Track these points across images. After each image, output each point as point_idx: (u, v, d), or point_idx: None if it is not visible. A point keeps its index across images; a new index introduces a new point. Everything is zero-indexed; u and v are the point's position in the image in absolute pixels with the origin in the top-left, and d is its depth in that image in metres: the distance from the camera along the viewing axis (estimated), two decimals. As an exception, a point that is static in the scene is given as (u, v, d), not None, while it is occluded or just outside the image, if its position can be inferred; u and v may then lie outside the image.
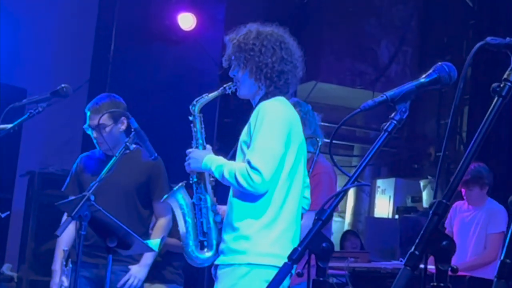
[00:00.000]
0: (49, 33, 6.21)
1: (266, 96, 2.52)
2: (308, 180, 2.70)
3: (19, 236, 5.22)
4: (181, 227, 2.63)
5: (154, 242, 3.11)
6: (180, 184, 2.69)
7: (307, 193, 2.69)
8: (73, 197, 2.81)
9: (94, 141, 3.30)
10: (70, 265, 3.21)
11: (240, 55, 2.52)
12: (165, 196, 2.73)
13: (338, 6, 7.32)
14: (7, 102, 2.95)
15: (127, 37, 5.90)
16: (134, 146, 2.99)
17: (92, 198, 2.63)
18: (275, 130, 2.41)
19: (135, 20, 5.90)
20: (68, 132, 5.86)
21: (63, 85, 2.92)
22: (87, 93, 5.92)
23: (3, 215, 3.07)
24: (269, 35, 2.53)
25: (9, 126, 2.82)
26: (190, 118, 2.67)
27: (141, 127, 2.90)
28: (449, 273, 1.33)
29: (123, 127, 3.36)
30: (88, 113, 3.32)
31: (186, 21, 5.95)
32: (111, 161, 2.80)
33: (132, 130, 2.90)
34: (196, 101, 2.67)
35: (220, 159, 2.52)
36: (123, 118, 3.33)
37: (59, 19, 6.31)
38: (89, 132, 3.33)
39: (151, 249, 3.05)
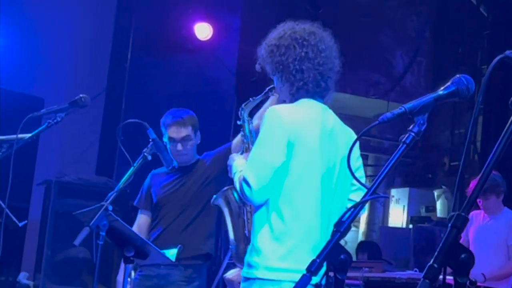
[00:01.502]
0: (66, 42, 6.17)
1: (293, 99, 2.37)
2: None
3: (36, 245, 5.20)
4: (230, 229, 2.67)
5: (172, 252, 3.13)
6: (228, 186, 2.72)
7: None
8: (91, 207, 2.72)
9: (169, 152, 3.17)
10: (133, 275, 3.27)
11: (266, 59, 2.40)
12: (214, 196, 2.77)
13: (352, 17, 7.48)
14: (25, 111, 2.81)
15: (144, 46, 5.99)
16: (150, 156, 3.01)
17: (110, 208, 2.63)
18: (270, 138, 2.26)
19: (151, 30, 5.98)
20: (85, 141, 5.91)
21: (81, 95, 2.87)
22: (104, 102, 6.05)
23: (20, 224, 2.96)
24: (290, 33, 2.37)
25: (28, 135, 2.81)
26: (239, 122, 2.69)
27: (158, 136, 2.96)
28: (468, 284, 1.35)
29: (199, 140, 3.52)
30: (171, 126, 3.40)
31: (203, 30, 6.06)
32: (129, 171, 2.81)
33: (150, 140, 2.89)
34: (245, 105, 2.66)
35: (240, 166, 2.40)
36: (198, 132, 3.49)
37: (77, 29, 6.35)
38: (165, 142, 3.37)
39: (168, 259, 3.06)
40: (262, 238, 2.28)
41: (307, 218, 2.29)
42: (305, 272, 1.38)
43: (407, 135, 1.54)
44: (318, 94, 2.39)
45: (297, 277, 1.62)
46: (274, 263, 2.25)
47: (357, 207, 1.52)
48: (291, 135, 2.26)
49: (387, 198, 7.12)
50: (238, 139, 3.12)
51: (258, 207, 2.31)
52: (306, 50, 2.34)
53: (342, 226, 1.45)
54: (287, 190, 2.27)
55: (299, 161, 2.27)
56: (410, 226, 6.99)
